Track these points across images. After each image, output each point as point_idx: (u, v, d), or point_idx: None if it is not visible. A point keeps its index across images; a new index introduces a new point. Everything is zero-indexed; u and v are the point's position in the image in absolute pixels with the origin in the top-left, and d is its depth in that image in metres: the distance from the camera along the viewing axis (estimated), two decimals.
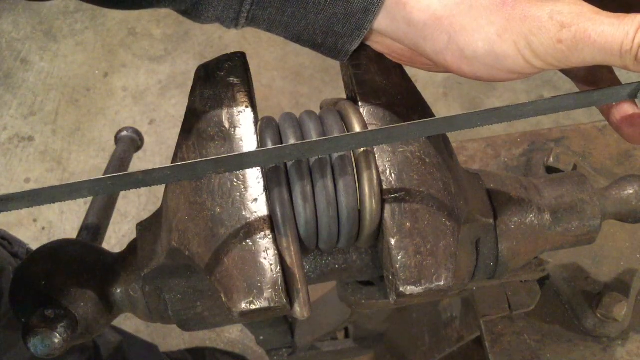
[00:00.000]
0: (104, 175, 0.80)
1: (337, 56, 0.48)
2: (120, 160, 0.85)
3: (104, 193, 0.39)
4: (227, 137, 0.46)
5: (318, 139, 0.44)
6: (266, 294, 0.41)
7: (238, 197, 0.44)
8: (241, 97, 0.47)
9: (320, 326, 1.01)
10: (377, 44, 0.48)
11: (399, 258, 0.44)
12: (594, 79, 0.49)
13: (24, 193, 0.35)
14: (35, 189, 0.35)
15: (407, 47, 0.46)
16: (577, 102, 0.41)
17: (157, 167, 0.37)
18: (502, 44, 0.40)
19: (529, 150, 0.91)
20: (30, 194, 0.35)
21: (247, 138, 0.46)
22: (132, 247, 0.53)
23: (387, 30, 0.45)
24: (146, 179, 0.37)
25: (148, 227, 0.52)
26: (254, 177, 0.44)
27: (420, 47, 0.44)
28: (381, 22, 0.44)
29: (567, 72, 0.50)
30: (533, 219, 0.54)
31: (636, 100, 0.43)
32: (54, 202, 0.36)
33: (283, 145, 0.43)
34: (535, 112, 0.40)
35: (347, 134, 0.45)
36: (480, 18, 0.40)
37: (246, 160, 0.40)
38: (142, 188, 0.38)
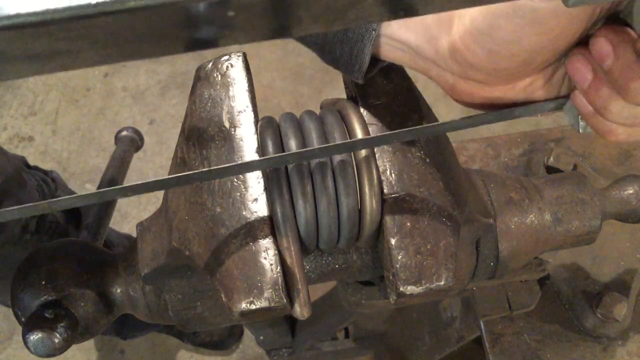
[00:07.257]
0: (103, 174, 0.80)
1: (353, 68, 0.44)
2: (120, 160, 0.85)
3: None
4: (227, 137, 0.46)
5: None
6: (266, 294, 0.41)
7: (238, 197, 0.44)
8: (241, 97, 0.47)
9: (320, 326, 1.01)
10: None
11: (399, 258, 0.44)
12: None
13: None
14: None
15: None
16: (499, 117, 0.41)
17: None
18: None
19: (529, 150, 0.91)
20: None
21: (247, 138, 0.46)
22: (132, 247, 0.53)
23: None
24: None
25: (148, 227, 0.52)
26: (254, 177, 0.44)
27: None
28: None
29: None
30: (533, 219, 0.54)
31: (564, 109, 0.42)
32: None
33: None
34: (455, 128, 0.41)
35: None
36: None
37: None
38: None
